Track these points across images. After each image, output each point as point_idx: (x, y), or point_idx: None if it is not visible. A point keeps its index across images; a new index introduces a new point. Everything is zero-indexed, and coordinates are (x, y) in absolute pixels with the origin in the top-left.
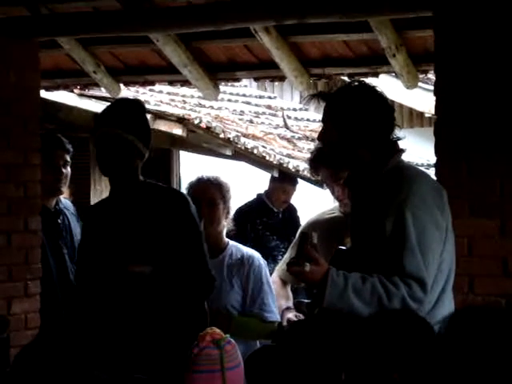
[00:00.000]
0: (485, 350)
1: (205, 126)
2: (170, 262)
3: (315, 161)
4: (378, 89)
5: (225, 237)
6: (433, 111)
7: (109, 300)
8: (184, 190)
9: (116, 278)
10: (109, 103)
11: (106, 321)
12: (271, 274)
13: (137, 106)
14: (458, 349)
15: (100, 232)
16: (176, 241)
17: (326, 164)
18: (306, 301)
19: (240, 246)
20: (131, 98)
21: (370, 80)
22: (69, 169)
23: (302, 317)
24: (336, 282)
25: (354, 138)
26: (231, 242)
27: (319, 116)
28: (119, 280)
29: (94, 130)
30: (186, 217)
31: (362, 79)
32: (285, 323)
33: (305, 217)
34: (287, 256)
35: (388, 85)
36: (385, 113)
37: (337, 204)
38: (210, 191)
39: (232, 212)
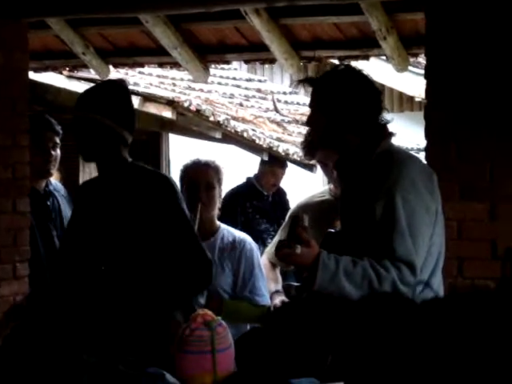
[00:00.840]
0: (473, 334)
1: (194, 109)
2: (160, 248)
3: (310, 144)
4: (364, 72)
5: (217, 220)
6: (423, 95)
7: (95, 284)
8: (178, 172)
9: (102, 261)
10: None
11: (93, 304)
12: (261, 256)
13: (118, 88)
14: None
15: (86, 213)
16: (164, 226)
17: (317, 148)
18: (295, 284)
19: (231, 229)
20: (115, 79)
21: (360, 63)
22: (58, 151)
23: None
24: (327, 265)
25: (341, 122)
26: (223, 226)
27: (309, 100)
28: (105, 264)
29: (72, 114)
30: (173, 201)
31: (348, 63)
32: (273, 308)
33: (294, 200)
34: (277, 239)
35: (378, 68)
36: (371, 96)
37: (327, 187)
38: (209, 174)
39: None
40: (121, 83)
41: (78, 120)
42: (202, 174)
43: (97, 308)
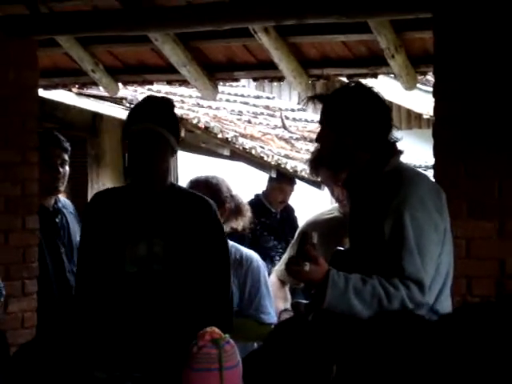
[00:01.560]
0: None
1: (203, 126)
2: (192, 272)
3: (315, 162)
4: (374, 89)
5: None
6: (431, 113)
7: (111, 299)
8: None
9: (121, 277)
10: (107, 102)
11: (107, 319)
12: (269, 274)
13: (166, 102)
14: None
15: (112, 226)
16: (205, 253)
17: (325, 165)
18: (304, 302)
19: (239, 246)
20: (159, 96)
21: (368, 81)
22: (67, 168)
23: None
24: (337, 282)
25: (351, 140)
26: (230, 242)
27: (317, 117)
28: (124, 279)
29: (127, 128)
30: (220, 231)
31: (358, 80)
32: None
33: (302, 217)
34: (286, 256)
35: (387, 86)
36: (382, 113)
37: (336, 205)
38: (222, 191)
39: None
40: (167, 98)
41: (135, 131)
42: (214, 192)
43: (109, 323)
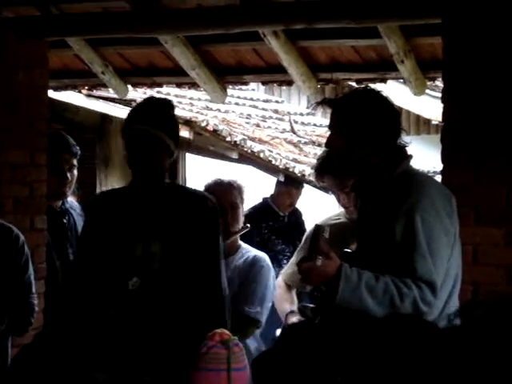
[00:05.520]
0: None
1: (211, 129)
2: (185, 270)
3: (321, 168)
4: (383, 94)
5: (239, 239)
6: (440, 118)
7: (109, 301)
8: None
9: (124, 278)
10: (116, 104)
11: (111, 321)
12: (276, 277)
13: (166, 104)
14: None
15: (111, 227)
16: (196, 251)
17: (332, 172)
18: (310, 305)
19: (250, 247)
20: (159, 97)
21: (377, 86)
22: (75, 172)
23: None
24: (349, 276)
25: (360, 144)
26: (243, 245)
27: (326, 121)
28: (126, 281)
29: (125, 128)
30: (213, 229)
31: (367, 85)
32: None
33: (310, 221)
34: (293, 260)
35: (396, 91)
36: (391, 117)
37: (343, 210)
38: (233, 195)
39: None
40: (168, 100)
41: (133, 132)
42: (226, 195)
43: (114, 326)
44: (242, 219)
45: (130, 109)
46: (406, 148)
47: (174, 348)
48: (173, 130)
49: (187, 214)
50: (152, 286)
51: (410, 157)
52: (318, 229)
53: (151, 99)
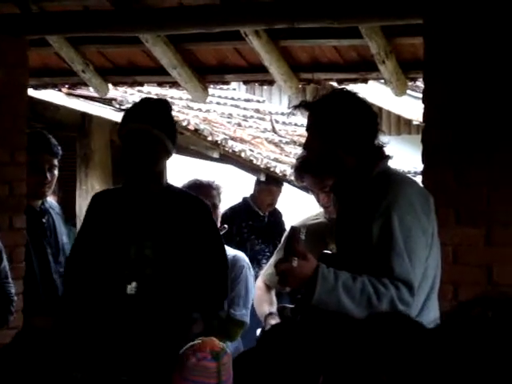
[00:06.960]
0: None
1: (193, 128)
2: (188, 263)
3: (300, 168)
4: (359, 95)
5: None
6: (420, 119)
7: (101, 302)
8: None
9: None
10: (97, 103)
11: (95, 321)
12: (256, 278)
13: (164, 104)
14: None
15: (108, 228)
16: (200, 250)
17: (312, 172)
18: (290, 306)
19: (228, 248)
20: (157, 97)
21: (359, 86)
22: (56, 172)
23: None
24: (326, 277)
25: (338, 145)
26: None
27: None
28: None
29: (122, 127)
30: (212, 228)
31: (343, 87)
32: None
33: (290, 221)
34: (272, 261)
35: (377, 91)
36: (367, 118)
37: (322, 210)
38: (212, 195)
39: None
40: (165, 100)
41: (130, 131)
42: (206, 195)
43: (98, 327)
44: (219, 219)
45: (126, 109)
46: (385, 148)
47: (161, 350)
48: (172, 131)
49: (188, 216)
50: (147, 289)
51: (389, 157)
52: (294, 230)
53: (149, 99)
